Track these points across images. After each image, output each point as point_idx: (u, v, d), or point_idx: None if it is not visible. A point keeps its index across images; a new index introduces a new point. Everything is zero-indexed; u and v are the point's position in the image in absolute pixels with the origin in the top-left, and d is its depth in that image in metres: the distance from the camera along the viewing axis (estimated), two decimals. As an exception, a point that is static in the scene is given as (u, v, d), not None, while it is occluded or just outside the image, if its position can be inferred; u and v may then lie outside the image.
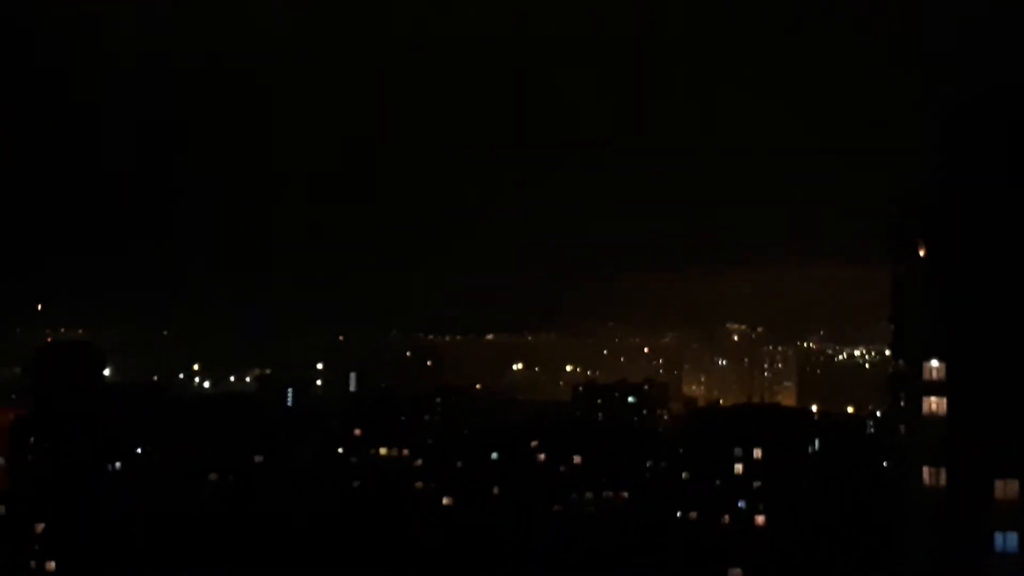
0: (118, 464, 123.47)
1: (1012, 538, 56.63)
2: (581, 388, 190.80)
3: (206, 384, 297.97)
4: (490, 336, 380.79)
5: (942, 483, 58.55)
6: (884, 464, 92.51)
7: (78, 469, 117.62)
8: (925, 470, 59.36)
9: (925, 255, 61.74)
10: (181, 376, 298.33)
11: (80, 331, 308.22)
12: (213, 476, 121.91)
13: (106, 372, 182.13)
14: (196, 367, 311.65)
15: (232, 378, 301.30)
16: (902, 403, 63.91)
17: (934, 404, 59.82)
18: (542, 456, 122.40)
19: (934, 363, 60.02)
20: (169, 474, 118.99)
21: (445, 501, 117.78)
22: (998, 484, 57.02)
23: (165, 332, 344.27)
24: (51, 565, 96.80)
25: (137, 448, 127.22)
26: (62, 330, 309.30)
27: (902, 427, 63.92)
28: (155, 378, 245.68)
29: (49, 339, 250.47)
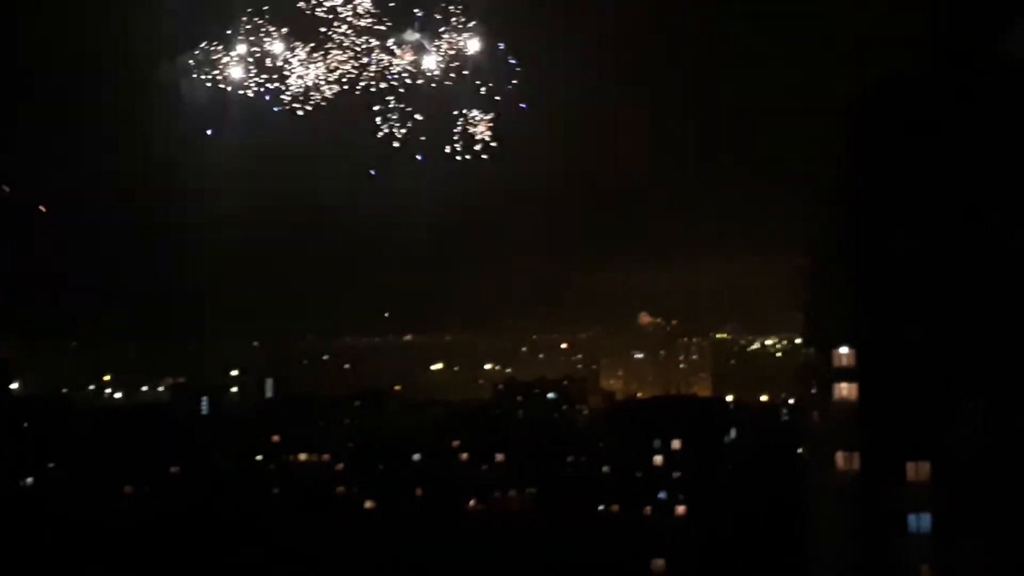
0: (29, 480, 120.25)
1: (925, 519, 58.18)
2: (501, 386, 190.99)
3: (117, 395, 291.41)
4: (408, 336, 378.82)
5: (855, 467, 59.93)
6: (799, 450, 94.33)
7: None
8: (839, 455, 60.70)
9: (832, 244, 63.03)
10: (92, 387, 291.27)
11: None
12: (128, 488, 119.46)
13: (12, 386, 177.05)
14: (107, 378, 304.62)
15: (144, 388, 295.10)
16: (814, 390, 65.26)
17: (845, 390, 61.20)
18: (464, 455, 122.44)
19: (843, 350, 61.42)
20: (83, 488, 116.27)
21: (368, 504, 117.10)
22: (910, 466, 58.53)
23: (73, 343, 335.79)
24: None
25: (48, 463, 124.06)
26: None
27: (815, 413, 65.29)
28: (64, 391, 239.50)
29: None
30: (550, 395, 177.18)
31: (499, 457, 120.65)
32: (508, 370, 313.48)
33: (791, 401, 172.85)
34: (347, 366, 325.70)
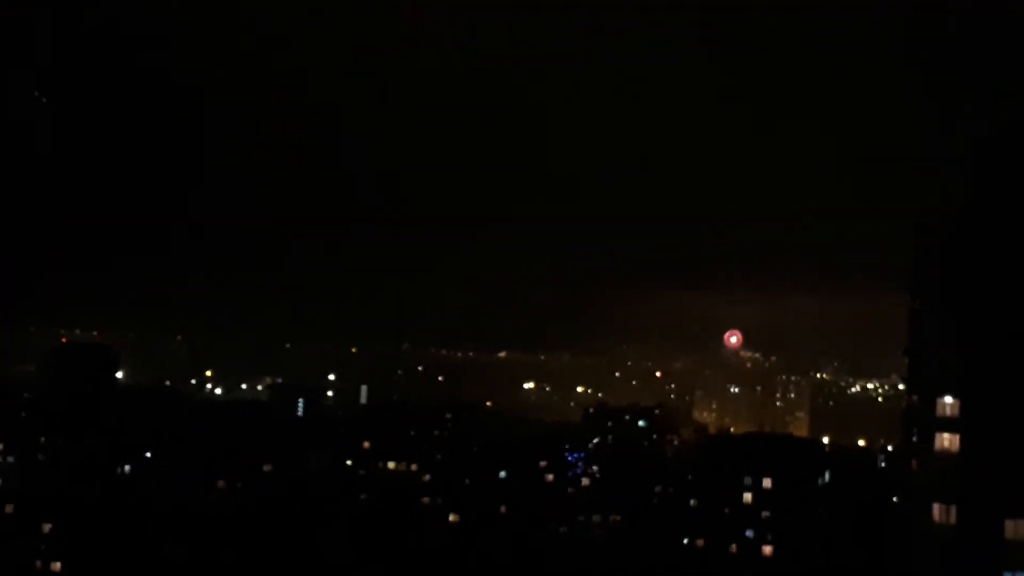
0: (127, 467, 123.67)
1: (1021, 579, 56.28)
2: (592, 409, 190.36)
3: (217, 390, 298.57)
4: (503, 353, 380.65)
5: (952, 520, 58.20)
6: (894, 499, 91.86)
7: (88, 470, 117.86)
8: (935, 507, 59.02)
9: (942, 291, 61.49)
10: (193, 381, 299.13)
11: (94, 333, 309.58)
12: (221, 483, 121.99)
13: (119, 375, 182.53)
14: (208, 373, 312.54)
15: (244, 385, 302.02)
16: (914, 438, 63.61)
17: (947, 440, 59.54)
18: (551, 476, 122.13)
19: (948, 399, 59.77)
20: (177, 479, 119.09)
21: (452, 518, 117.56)
22: (1008, 524, 56.69)
23: (179, 337, 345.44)
24: (56, 566, 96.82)
25: (147, 452, 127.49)
26: (77, 331, 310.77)
27: (914, 462, 63.60)
28: (167, 382, 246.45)
29: (64, 339, 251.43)
30: (641, 422, 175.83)
31: (585, 481, 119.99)
32: (600, 394, 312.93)
33: (889, 448, 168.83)
34: (441, 378, 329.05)
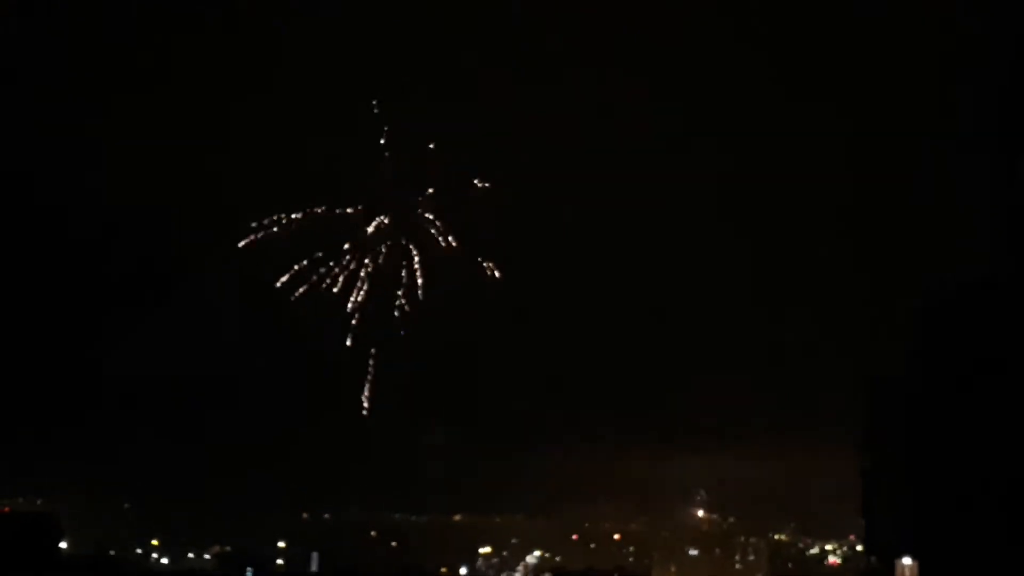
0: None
1: None
2: (548, 575, 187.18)
3: (164, 560, 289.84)
4: (457, 516, 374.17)
5: None
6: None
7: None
8: (898, 671, 58.34)
9: (894, 449, 62.22)
10: (139, 551, 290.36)
11: (39, 501, 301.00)
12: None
13: (63, 544, 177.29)
14: (155, 542, 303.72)
15: (191, 555, 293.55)
16: (875, 600, 63.23)
17: (907, 603, 59.28)
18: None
19: (907, 561, 59.86)
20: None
21: None
22: None
23: (126, 505, 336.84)
24: None
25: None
26: (20, 500, 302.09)
27: (875, 625, 63.04)
28: (111, 552, 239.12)
29: (7, 509, 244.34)
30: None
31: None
32: (558, 558, 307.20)
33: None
34: (394, 543, 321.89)
